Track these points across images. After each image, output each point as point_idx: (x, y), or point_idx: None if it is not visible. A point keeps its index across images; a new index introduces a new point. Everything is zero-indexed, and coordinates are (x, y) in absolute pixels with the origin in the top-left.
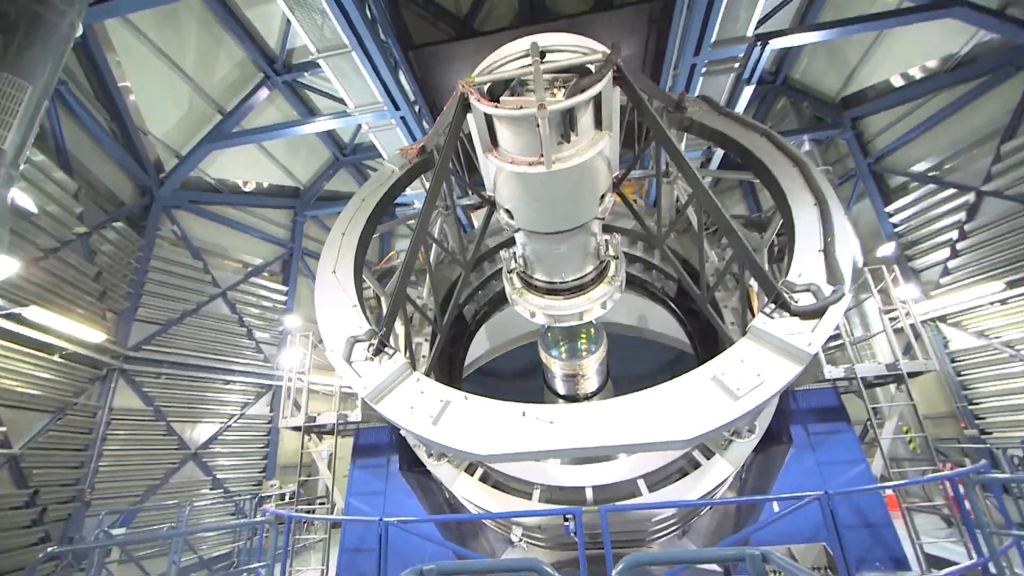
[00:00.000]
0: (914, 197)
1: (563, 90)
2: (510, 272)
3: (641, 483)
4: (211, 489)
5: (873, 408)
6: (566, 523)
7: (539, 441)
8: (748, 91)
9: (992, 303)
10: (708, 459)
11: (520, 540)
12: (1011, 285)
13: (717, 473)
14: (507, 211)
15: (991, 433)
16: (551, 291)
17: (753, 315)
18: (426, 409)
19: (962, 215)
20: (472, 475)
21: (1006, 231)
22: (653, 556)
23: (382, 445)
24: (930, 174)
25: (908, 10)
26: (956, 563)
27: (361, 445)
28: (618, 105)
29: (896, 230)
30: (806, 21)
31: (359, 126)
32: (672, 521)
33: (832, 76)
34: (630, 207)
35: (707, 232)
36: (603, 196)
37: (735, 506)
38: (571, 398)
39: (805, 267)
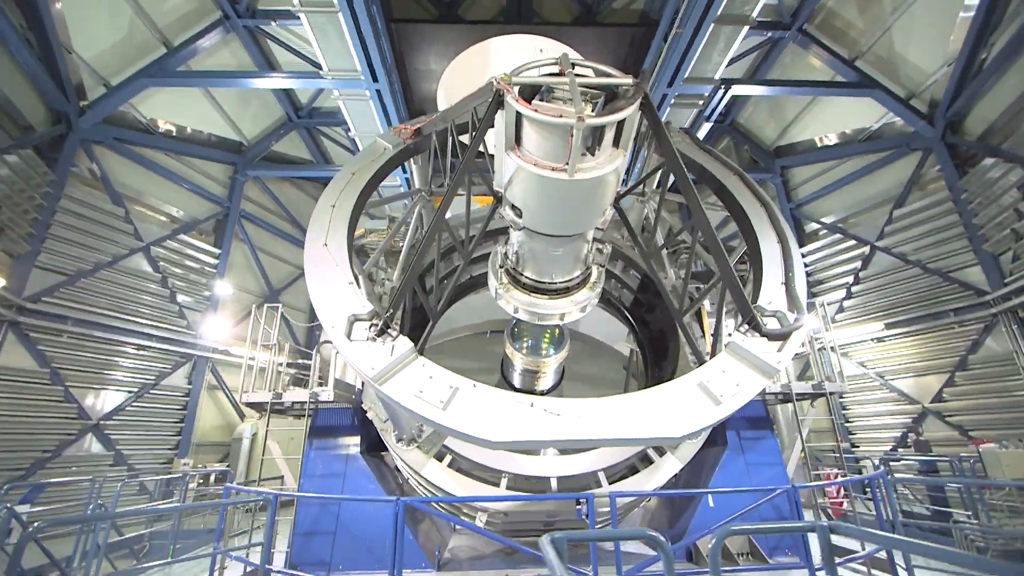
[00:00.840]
0: (823, 243)
1: (590, 105)
2: (501, 267)
3: (601, 475)
4: (112, 465)
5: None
6: (579, 507)
7: (547, 431)
8: (706, 127)
9: (872, 340)
10: (660, 456)
11: (485, 524)
12: (888, 327)
13: (668, 469)
14: (514, 208)
15: (858, 446)
16: (537, 290)
17: (704, 332)
18: (435, 394)
19: (858, 263)
20: (440, 461)
21: (890, 281)
22: (744, 528)
23: (341, 427)
24: (838, 225)
25: (839, 83)
26: (851, 550)
27: (319, 426)
28: (635, 128)
29: (806, 269)
30: (756, 75)
31: (321, 89)
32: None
33: (771, 127)
34: (625, 221)
35: (667, 252)
36: (606, 208)
37: (670, 499)
38: (526, 392)
39: (772, 296)
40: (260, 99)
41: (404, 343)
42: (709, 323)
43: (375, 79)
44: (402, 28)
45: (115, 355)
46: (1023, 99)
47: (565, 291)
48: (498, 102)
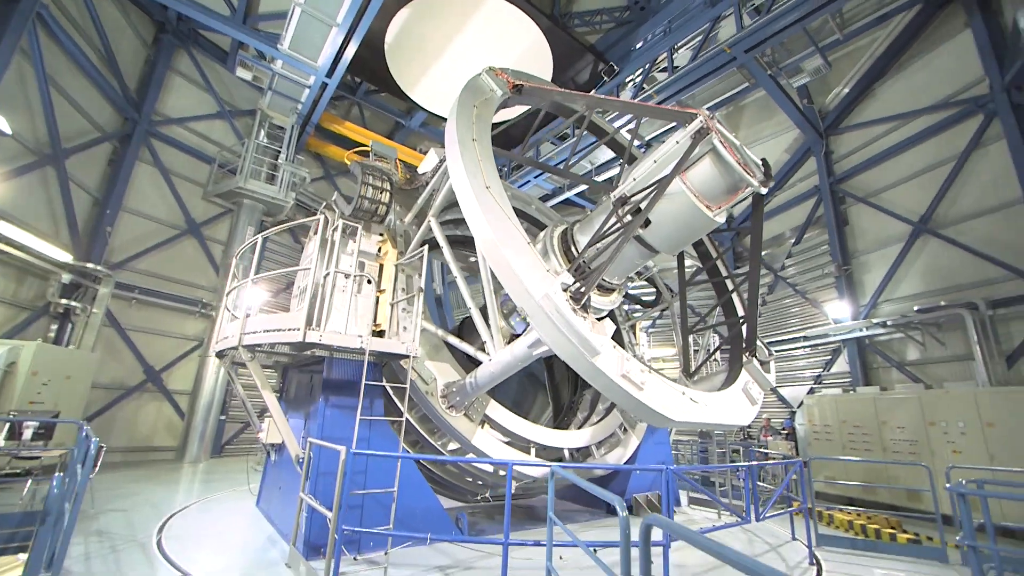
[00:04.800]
0: None
1: None
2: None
3: (594, 448)
4: None
5: None
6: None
7: (697, 414)
8: None
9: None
10: (625, 433)
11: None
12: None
13: (632, 443)
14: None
15: None
16: (604, 288)
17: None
18: (636, 376)
19: None
20: (482, 428)
21: None
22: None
23: (357, 382)
24: None
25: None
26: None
27: (334, 380)
28: None
29: None
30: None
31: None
32: None
33: None
34: (680, 261)
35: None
36: None
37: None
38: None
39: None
40: None
41: (608, 322)
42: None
43: (329, 75)
44: None
45: None
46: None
47: (611, 291)
48: (696, 136)
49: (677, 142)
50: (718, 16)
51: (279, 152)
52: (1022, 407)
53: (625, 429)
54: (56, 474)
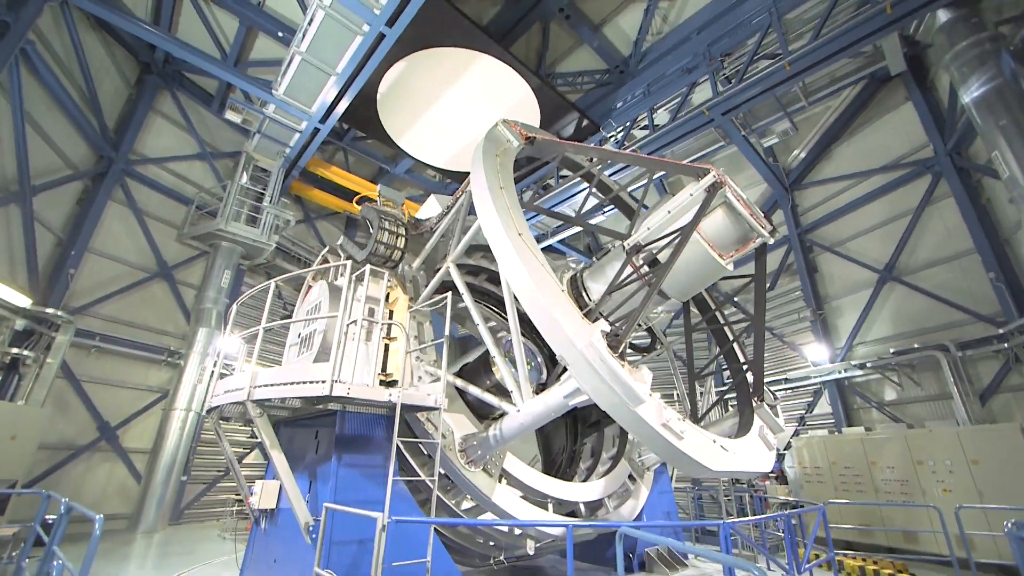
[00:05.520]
0: None
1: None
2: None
3: (607, 501)
4: None
5: None
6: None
7: (730, 463)
8: None
9: None
10: (633, 484)
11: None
12: None
13: (643, 493)
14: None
15: None
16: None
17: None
18: (675, 425)
19: None
20: (500, 483)
21: None
22: None
23: (375, 440)
24: None
25: None
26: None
27: (348, 436)
28: None
29: None
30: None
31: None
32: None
33: None
34: (686, 309)
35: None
36: None
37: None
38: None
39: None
40: None
41: (646, 369)
42: None
43: (323, 120)
44: None
45: None
46: None
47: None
48: (709, 189)
49: (691, 194)
50: (694, 82)
51: (261, 194)
52: (1003, 444)
53: (633, 479)
54: (55, 562)
